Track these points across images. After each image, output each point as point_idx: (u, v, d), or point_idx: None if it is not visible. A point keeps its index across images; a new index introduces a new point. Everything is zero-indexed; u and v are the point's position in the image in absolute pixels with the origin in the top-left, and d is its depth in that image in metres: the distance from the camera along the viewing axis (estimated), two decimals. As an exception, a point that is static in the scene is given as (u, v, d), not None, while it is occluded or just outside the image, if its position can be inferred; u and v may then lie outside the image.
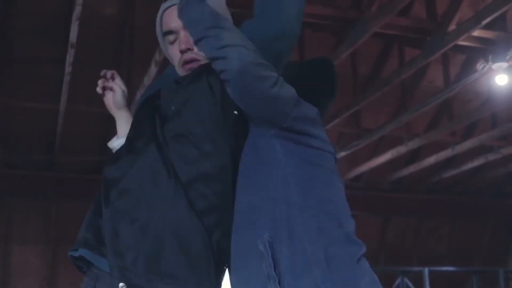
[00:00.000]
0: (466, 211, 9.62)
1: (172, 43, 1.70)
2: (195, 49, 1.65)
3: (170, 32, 1.69)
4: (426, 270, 7.83)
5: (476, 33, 4.88)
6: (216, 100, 1.54)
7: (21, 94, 6.45)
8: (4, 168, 7.44)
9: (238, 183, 1.51)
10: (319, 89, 1.63)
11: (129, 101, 6.22)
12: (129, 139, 1.64)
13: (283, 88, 1.46)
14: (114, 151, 1.84)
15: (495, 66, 5.08)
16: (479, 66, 5.20)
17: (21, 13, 5.77)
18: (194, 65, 1.67)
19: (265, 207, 1.43)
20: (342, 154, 7.10)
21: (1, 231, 7.80)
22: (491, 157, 7.66)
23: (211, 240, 1.46)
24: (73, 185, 7.68)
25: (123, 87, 1.83)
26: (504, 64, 5.07)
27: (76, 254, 1.50)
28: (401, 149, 7.37)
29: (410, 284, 7.79)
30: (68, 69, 5.18)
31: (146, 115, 1.64)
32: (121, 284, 1.42)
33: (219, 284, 1.51)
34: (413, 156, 8.42)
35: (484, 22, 4.52)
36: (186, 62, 1.68)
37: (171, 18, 1.68)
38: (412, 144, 7.29)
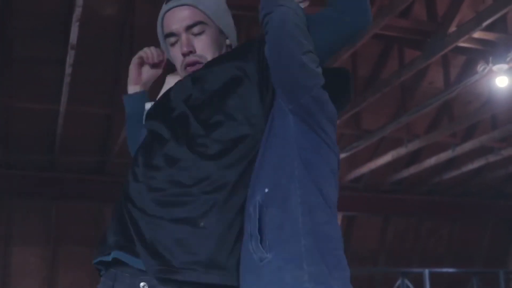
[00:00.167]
0: (466, 212, 9.63)
1: (173, 45, 1.70)
2: (197, 51, 1.65)
3: (171, 34, 1.68)
4: (426, 271, 7.82)
5: (476, 34, 4.87)
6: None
7: (21, 95, 6.45)
8: (4, 168, 7.44)
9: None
10: (334, 97, 1.65)
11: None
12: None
13: (313, 62, 1.50)
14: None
15: (495, 67, 5.08)
16: (480, 67, 5.20)
17: (21, 13, 5.77)
18: (197, 67, 1.66)
19: (267, 172, 1.47)
20: (343, 155, 7.10)
21: (1, 232, 7.81)
22: (491, 158, 7.66)
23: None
24: (73, 186, 7.69)
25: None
26: (504, 66, 5.07)
27: (109, 258, 1.50)
28: (401, 151, 7.37)
29: (410, 285, 7.78)
30: (68, 70, 5.18)
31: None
32: (142, 284, 1.43)
33: None
34: (413, 157, 8.42)
35: (485, 23, 4.52)
36: (189, 65, 1.67)
37: (172, 20, 1.67)
38: (412, 146, 7.29)
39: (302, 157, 1.45)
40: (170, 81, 1.89)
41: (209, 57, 1.67)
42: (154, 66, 1.87)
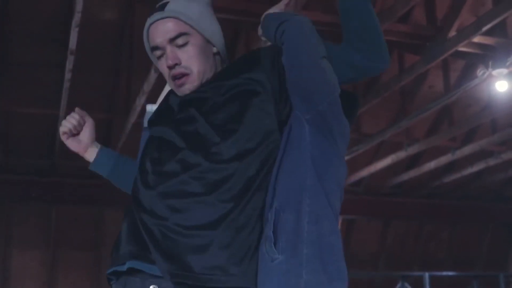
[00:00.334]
0: (466, 216, 9.62)
1: (159, 58, 1.70)
2: (183, 62, 1.66)
3: (156, 48, 1.68)
4: (426, 275, 7.80)
5: (476, 39, 4.86)
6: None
7: (21, 99, 6.45)
8: (4, 172, 7.44)
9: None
10: None
11: (128, 108, 6.18)
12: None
13: (330, 69, 1.55)
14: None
15: (495, 72, 5.08)
16: (479, 72, 5.19)
17: (20, 17, 5.77)
18: (184, 79, 1.66)
19: (284, 180, 1.51)
20: (342, 159, 7.08)
21: (1, 235, 7.80)
22: (491, 162, 7.65)
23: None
24: (73, 190, 7.69)
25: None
26: (504, 70, 5.06)
27: (124, 268, 1.50)
28: (401, 154, 7.37)
29: (410, 289, 7.77)
30: (67, 75, 5.18)
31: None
32: (152, 286, 1.45)
33: None
34: (413, 161, 8.42)
35: (484, 28, 4.51)
36: (175, 78, 1.67)
37: (156, 34, 1.67)
38: (412, 149, 7.29)
39: (315, 167, 1.49)
40: (167, 88, 1.89)
41: (195, 67, 1.67)
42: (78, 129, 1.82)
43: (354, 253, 9.02)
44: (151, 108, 1.87)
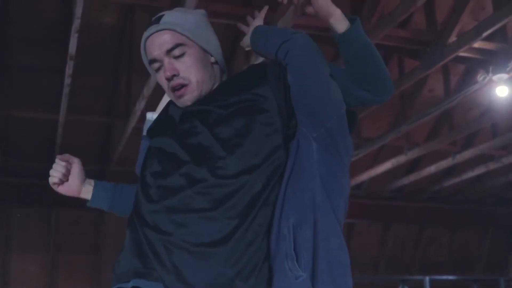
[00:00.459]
0: (466, 220, 9.61)
1: (158, 70, 1.70)
2: (181, 73, 1.66)
3: (154, 60, 1.69)
4: (427, 279, 7.79)
5: (476, 44, 4.85)
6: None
7: (21, 103, 6.44)
8: (4, 175, 7.44)
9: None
10: None
11: (128, 112, 6.15)
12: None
13: (336, 87, 1.57)
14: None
15: (495, 77, 5.07)
16: (480, 77, 5.19)
17: (20, 22, 5.76)
18: (184, 90, 1.66)
19: (296, 197, 1.52)
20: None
21: (1, 239, 7.79)
22: (491, 166, 7.64)
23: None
24: (73, 193, 7.67)
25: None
26: (504, 76, 5.05)
27: (128, 286, 1.50)
28: (401, 159, 7.36)
29: (410, 293, 7.76)
30: (67, 80, 5.17)
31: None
32: None
33: None
34: (414, 165, 8.41)
35: (485, 34, 4.50)
36: (175, 89, 1.67)
37: (153, 47, 1.67)
38: (412, 154, 7.27)
39: (323, 184, 1.51)
40: (167, 97, 1.88)
41: (193, 77, 1.67)
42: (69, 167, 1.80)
43: (354, 257, 8.99)
44: (152, 116, 1.86)
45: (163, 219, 1.50)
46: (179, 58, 1.66)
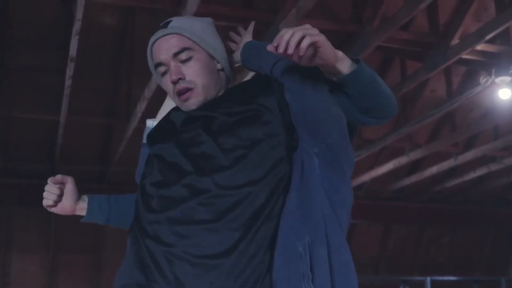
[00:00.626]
0: (467, 220, 9.60)
1: (163, 74, 1.70)
2: (186, 77, 1.65)
3: (160, 64, 1.68)
4: (428, 279, 7.78)
5: (479, 47, 4.84)
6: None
7: (21, 104, 6.43)
8: (4, 176, 7.43)
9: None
10: None
11: (129, 113, 6.14)
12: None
13: (335, 101, 1.55)
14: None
15: (498, 80, 5.06)
16: (482, 80, 5.18)
17: (20, 23, 5.74)
18: (189, 94, 1.66)
19: (307, 214, 1.50)
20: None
21: (1, 239, 7.79)
22: (493, 167, 7.64)
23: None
24: (73, 194, 7.66)
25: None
26: (507, 78, 5.05)
27: None
28: (402, 160, 7.35)
29: (411, 293, 7.76)
30: (68, 82, 5.16)
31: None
32: None
33: None
34: (415, 166, 8.39)
35: (488, 37, 4.48)
36: (180, 93, 1.66)
37: (159, 51, 1.67)
38: (414, 155, 7.26)
39: (327, 197, 1.49)
40: (169, 103, 1.86)
41: (199, 81, 1.66)
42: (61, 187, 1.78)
43: (355, 257, 8.67)
44: (151, 123, 1.84)
45: (164, 230, 1.48)
46: (186, 62, 1.66)
